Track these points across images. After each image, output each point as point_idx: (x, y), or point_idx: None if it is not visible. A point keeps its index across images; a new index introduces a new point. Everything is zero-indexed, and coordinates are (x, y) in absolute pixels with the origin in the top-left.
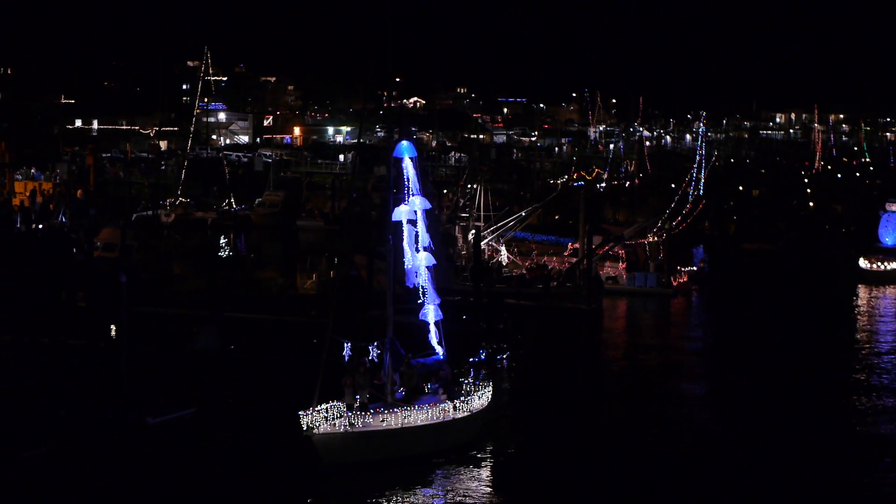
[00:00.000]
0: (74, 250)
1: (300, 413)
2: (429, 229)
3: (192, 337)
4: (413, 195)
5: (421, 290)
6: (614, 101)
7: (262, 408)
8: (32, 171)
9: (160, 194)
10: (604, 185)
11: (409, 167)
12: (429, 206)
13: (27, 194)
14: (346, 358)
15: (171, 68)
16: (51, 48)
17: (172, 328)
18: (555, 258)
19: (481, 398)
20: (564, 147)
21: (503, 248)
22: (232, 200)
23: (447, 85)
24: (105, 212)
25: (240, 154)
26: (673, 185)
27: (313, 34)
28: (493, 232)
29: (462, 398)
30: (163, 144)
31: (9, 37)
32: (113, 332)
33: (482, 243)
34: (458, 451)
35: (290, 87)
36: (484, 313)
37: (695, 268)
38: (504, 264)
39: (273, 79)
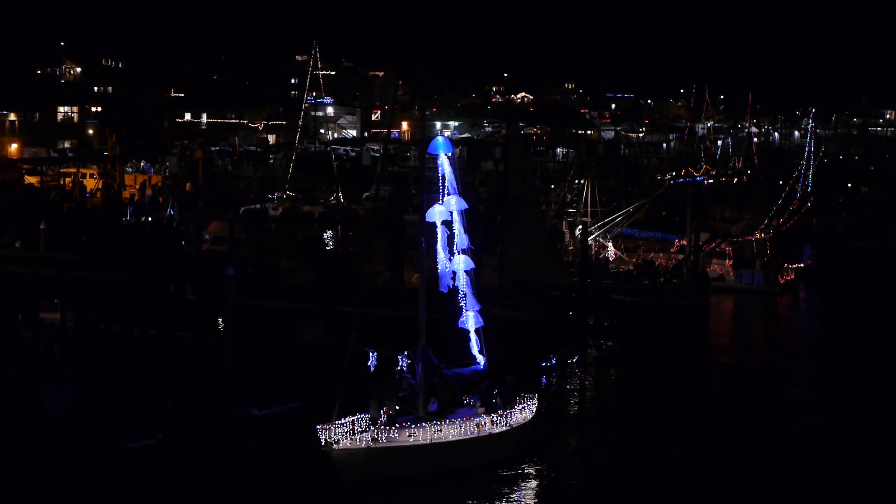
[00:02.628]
0: (183, 243)
1: (318, 427)
2: (467, 230)
3: (300, 330)
4: (449, 194)
5: (461, 295)
6: (722, 97)
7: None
8: (142, 164)
9: (268, 188)
10: (711, 181)
11: (444, 164)
12: (465, 206)
13: (137, 187)
14: (372, 368)
15: (279, 62)
16: (161, 42)
17: (279, 321)
18: (661, 255)
19: (523, 412)
20: (672, 143)
21: (610, 244)
22: (339, 195)
23: (555, 80)
24: (213, 205)
25: (347, 148)
26: (781, 182)
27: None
28: (600, 228)
29: (501, 411)
30: (271, 138)
31: (120, 32)
32: (220, 325)
33: (589, 239)
34: (495, 469)
35: (399, 82)
36: (590, 309)
37: (802, 265)
38: (611, 260)
39: (381, 73)
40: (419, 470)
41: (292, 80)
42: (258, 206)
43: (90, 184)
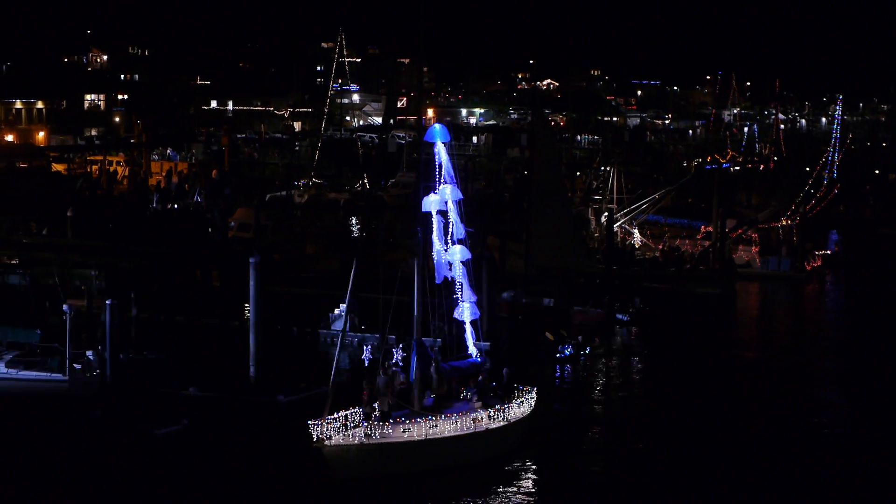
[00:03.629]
0: (209, 230)
1: (309, 423)
2: (463, 219)
3: (325, 317)
4: (444, 183)
5: (458, 286)
6: (749, 83)
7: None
8: (168, 151)
9: (294, 175)
10: (738, 168)
11: (441, 152)
12: (460, 195)
13: (163, 174)
14: (366, 362)
15: (305, 50)
16: (187, 30)
17: (305, 308)
18: (687, 241)
19: (521, 406)
20: (698, 130)
21: (636, 231)
22: (365, 181)
23: (581, 67)
24: (239, 192)
25: (373, 135)
26: (807, 169)
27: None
28: (626, 215)
29: (499, 406)
30: (297, 125)
31: (146, 19)
32: (246, 312)
33: (615, 226)
34: (493, 466)
35: (424, 69)
36: (616, 296)
37: (829, 252)
38: (637, 247)
39: (407, 60)
40: (414, 467)
41: (318, 68)
42: (284, 192)
43: (118, 171)
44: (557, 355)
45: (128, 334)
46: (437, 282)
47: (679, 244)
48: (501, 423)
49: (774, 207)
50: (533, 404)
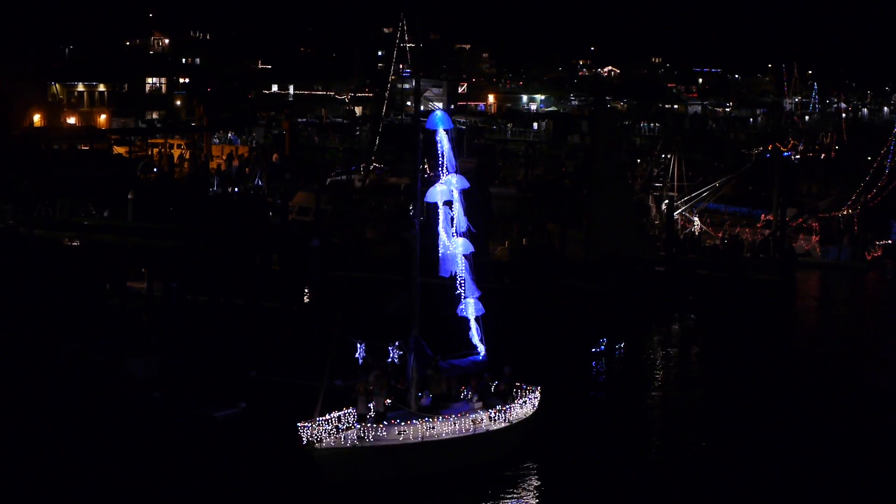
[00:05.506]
0: (270, 214)
1: (299, 425)
2: (467, 211)
3: (384, 301)
4: (449, 173)
5: (459, 281)
6: (810, 72)
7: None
8: (229, 135)
9: (354, 159)
10: (799, 156)
11: (443, 140)
12: (466, 185)
13: (224, 158)
14: (360, 360)
15: (366, 35)
16: (249, 14)
17: (364, 292)
18: (747, 230)
19: (524, 406)
20: (759, 118)
21: (696, 219)
22: (426, 167)
23: (642, 54)
24: (300, 176)
25: None
26: (869, 158)
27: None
28: (686, 202)
29: (500, 406)
30: (357, 110)
31: (208, 3)
32: (306, 296)
33: (675, 214)
34: (493, 469)
35: (485, 55)
36: (676, 284)
37: (890, 241)
38: (697, 235)
39: (468, 46)
40: (410, 470)
41: (379, 53)
42: (344, 177)
43: (177, 154)
44: (593, 350)
45: (187, 317)
46: (443, 275)
47: (739, 233)
48: (502, 425)
49: (836, 196)
50: (536, 404)
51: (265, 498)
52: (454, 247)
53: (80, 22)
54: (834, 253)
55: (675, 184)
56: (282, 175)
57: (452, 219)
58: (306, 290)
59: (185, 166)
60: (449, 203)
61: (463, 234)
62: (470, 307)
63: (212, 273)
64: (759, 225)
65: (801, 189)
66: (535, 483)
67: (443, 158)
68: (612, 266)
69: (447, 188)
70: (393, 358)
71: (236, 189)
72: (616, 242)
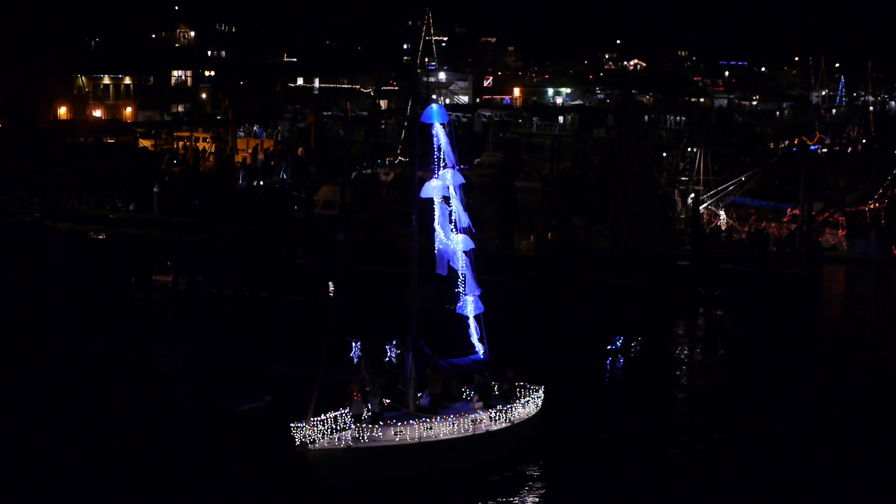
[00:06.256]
0: (295, 207)
1: (292, 426)
2: (466, 207)
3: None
4: (445, 167)
5: (461, 278)
6: (837, 65)
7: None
8: (255, 128)
9: (379, 153)
10: (825, 150)
11: (440, 134)
12: (462, 180)
13: (249, 151)
14: (355, 360)
15: (392, 28)
16: (274, 7)
17: (389, 286)
18: (774, 224)
19: (526, 406)
20: (786, 111)
21: (722, 213)
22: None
23: (668, 47)
24: (325, 170)
25: (459, 114)
26: None
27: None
28: (712, 196)
29: (500, 406)
30: (383, 103)
31: None
32: (331, 290)
33: (701, 208)
34: (493, 471)
35: (511, 48)
36: (701, 278)
37: None
38: (723, 229)
39: (493, 40)
40: (408, 471)
41: (405, 46)
42: (370, 171)
43: (203, 148)
44: (608, 347)
45: (213, 310)
46: (440, 273)
47: (765, 227)
48: (504, 425)
49: (862, 190)
50: (540, 404)
51: (284, 492)
52: (454, 243)
53: (105, 15)
54: (861, 247)
55: (701, 177)
56: (307, 168)
57: (451, 214)
58: (331, 284)
59: (211, 160)
60: (446, 199)
61: (463, 231)
62: (469, 305)
63: (237, 266)
64: (785, 219)
65: (827, 183)
66: (536, 483)
67: (439, 153)
68: (637, 260)
69: (442, 184)
70: (391, 357)
71: (261, 182)
72: (641, 236)
